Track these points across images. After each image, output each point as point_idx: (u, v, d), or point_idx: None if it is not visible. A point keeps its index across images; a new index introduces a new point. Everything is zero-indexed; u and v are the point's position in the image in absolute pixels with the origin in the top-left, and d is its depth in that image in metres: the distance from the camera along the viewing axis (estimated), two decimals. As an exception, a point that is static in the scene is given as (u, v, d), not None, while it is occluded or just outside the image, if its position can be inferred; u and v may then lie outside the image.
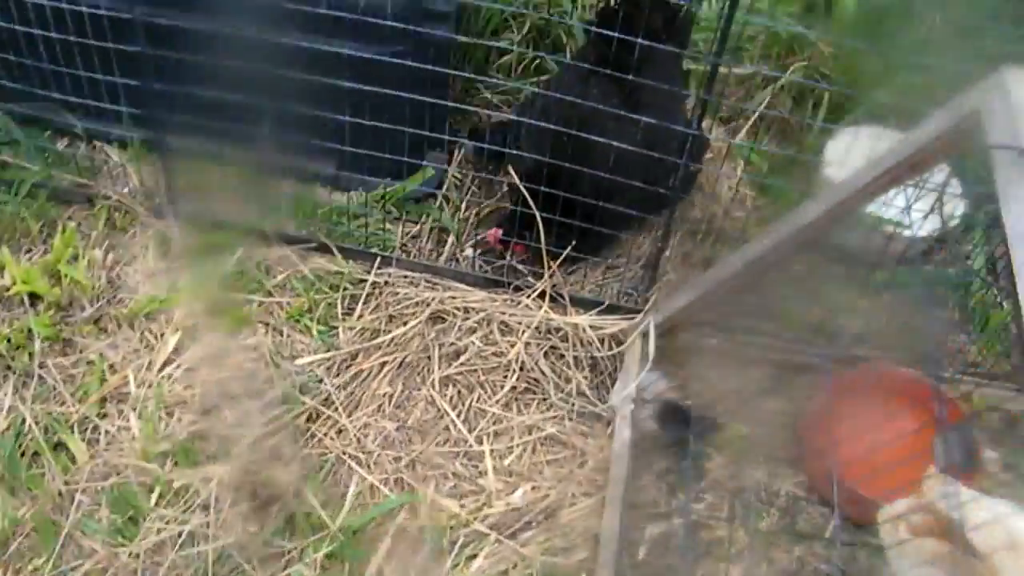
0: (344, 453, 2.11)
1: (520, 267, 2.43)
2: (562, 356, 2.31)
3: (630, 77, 2.12)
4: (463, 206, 2.57)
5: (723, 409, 2.30)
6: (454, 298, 2.37)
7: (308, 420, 2.16)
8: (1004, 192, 1.54)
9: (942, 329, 2.43)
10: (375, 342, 2.28)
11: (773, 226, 2.05)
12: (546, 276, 2.33)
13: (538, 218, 2.24)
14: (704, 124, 2.43)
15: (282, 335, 2.29)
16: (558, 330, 2.33)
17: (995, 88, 1.69)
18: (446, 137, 2.30)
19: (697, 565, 2.03)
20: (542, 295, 2.35)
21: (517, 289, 2.39)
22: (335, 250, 2.41)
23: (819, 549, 2.08)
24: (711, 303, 2.21)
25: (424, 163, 2.51)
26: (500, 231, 2.37)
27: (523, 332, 2.31)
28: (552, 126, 2.13)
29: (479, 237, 2.49)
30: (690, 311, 2.22)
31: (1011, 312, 2.32)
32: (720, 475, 2.18)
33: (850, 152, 2.24)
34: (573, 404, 2.25)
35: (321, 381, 2.21)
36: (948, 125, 1.79)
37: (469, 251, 2.45)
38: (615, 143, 2.08)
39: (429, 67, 2.08)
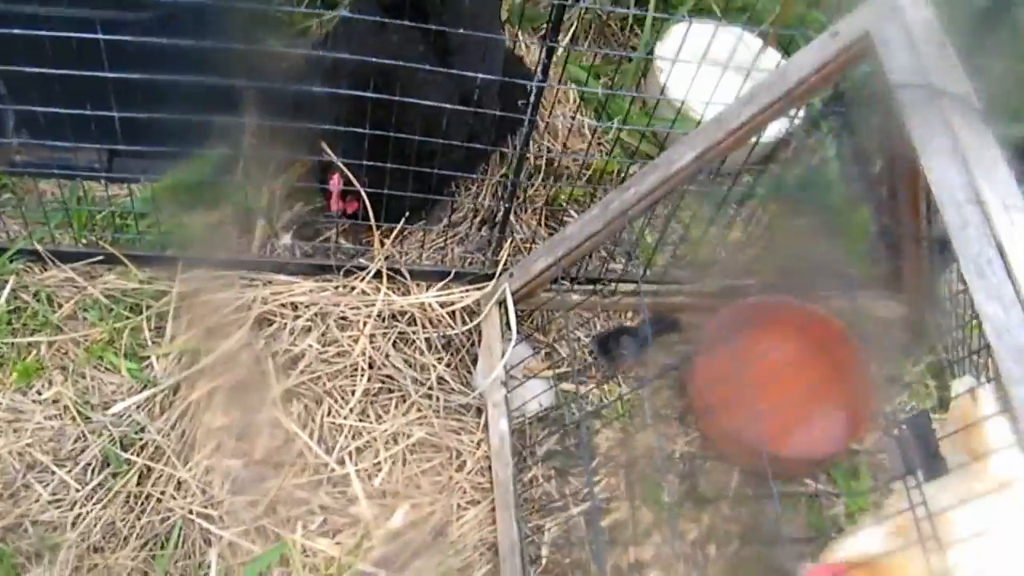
0: (190, 512, 1.81)
1: (346, 244, 2.13)
2: (413, 343, 2.06)
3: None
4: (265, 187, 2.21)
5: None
6: (278, 294, 2.06)
7: (139, 480, 1.85)
8: (922, 143, 1.35)
9: (807, 240, 2.29)
10: (197, 367, 1.95)
11: (638, 175, 1.83)
12: (378, 256, 2.05)
13: (364, 197, 1.94)
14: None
15: (85, 378, 1.93)
16: (403, 313, 2.06)
17: (886, 8, 1.49)
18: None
19: (607, 555, 1.88)
20: (378, 275, 2.07)
21: (348, 273, 2.09)
22: (126, 261, 2.04)
23: (726, 510, 1.97)
24: (573, 260, 2.00)
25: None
26: (339, 180, 1.96)
27: (364, 323, 2.03)
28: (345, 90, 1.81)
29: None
30: (551, 273, 2.00)
31: (871, 217, 2.19)
32: (609, 448, 2.01)
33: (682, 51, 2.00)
34: (437, 398, 2.01)
35: (144, 429, 1.88)
36: (833, 52, 1.58)
37: (287, 239, 2.12)
38: (424, 101, 1.78)
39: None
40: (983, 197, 1.29)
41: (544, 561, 1.87)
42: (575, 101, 2.40)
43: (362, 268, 2.07)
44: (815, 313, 2.10)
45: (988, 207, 1.28)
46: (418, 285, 2.09)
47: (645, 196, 1.82)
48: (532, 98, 1.76)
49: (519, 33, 2.45)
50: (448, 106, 1.80)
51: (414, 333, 2.05)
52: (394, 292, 2.07)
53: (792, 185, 2.21)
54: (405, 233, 2.16)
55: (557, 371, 2.08)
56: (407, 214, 2.04)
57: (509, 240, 2.14)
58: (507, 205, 1.99)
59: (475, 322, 2.06)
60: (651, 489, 1.94)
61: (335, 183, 1.94)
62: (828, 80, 1.64)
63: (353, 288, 2.07)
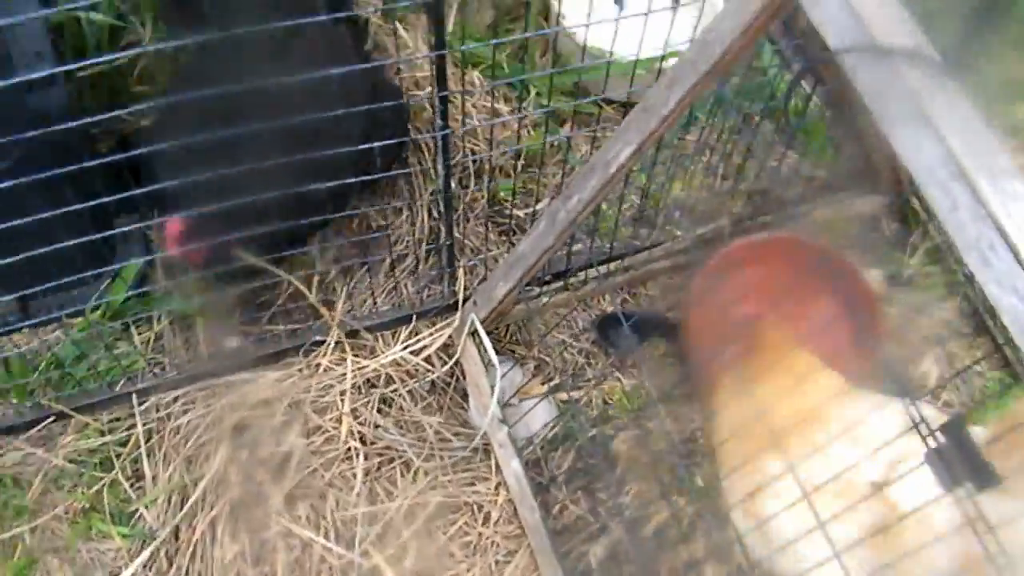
0: (234, 660, 1.75)
1: (289, 325, 1.98)
2: (397, 403, 1.93)
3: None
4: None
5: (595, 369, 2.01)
6: (245, 394, 1.92)
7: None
8: (882, 116, 1.20)
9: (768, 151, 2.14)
10: (189, 503, 1.83)
11: (577, 180, 1.67)
12: (332, 327, 1.90)
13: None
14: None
15: (81, 555, 1.82)
16: (378, 375, 1.93)
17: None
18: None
19: (660, 563, 1.81)
20: (340, 343, 1.93)
21: (308, 351, 1.95)
22: (77, 415, 1.89)
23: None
24: (533, 275, 1.86)
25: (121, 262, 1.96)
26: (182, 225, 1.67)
27: (341, 400, 1.90)
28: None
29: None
30: (514, 296, 1.86)
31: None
32: (629, 449, 1.91)
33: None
34: (440, 456, 1.90)
35: (157, 588, 1.79)
36: (752, 14, 1.41)
37: (234, 340, 1.97)
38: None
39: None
40: (967, 169, 1.15)
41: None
42: (484, 88, 2.20)
43: (319, 342, 1.92)
44: (799, 241, 1.96)
45: (976, 180, 1.14)
46: (382, 338, 1.95)
47: (590, 201, 1.67)
48: (438, 117, 1.58)
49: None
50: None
51: (395, 392, 1.93)
52: (362, 356, 1.93)
53: (733, 96, 2.05)
54: (351, 284, 2.00)
55: (551, 382, 1.96)
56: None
57: (461, 261, 1.98)
58: (447, 228, 1.82)
59: (453, 359, 1.93)
60: (683, 478, 1.85)
61: (172, 227, 1.68)
62: (751, 41, 1.47)
63: (319, 366, 1.93)
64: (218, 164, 1.49)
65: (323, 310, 1.89)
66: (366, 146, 1.56)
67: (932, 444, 1.26)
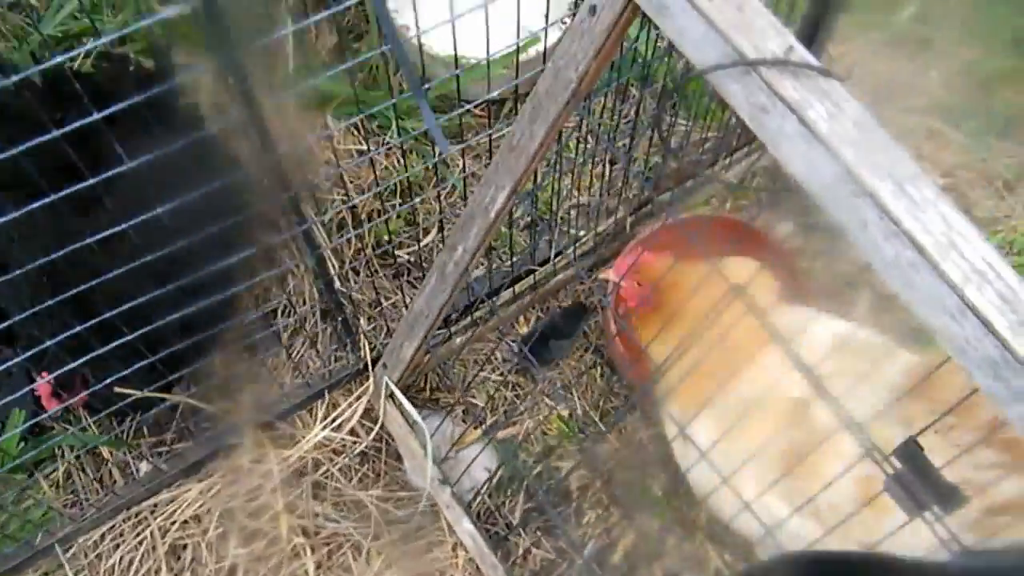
0: None
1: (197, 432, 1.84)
2: (332, 486, 1.82)
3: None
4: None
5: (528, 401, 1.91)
6: (172, 515, 1.80)
7: None
8: (765, 137, 1.09)
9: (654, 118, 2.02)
10: (137, 651, 1.73)
11: (458, 231, 1.55)
12: (245, 428, 1.78)
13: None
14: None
15: None
16: (304, 462, 1.82)
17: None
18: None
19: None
20: (259, 440, 1.80)
21: (227, 456, 1.82)
22: (0, 582, 1.76)
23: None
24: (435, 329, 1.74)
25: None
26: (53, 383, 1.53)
27: (275, 498, 1.79)
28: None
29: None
30: (422, 353, 1.75)
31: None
32: (580, 477, 1.83)
33: None
34: (389, 530, 1.80)
35: None
36: (600, 35, 1.29)
37: (144, 464, 1.83)
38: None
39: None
40: (868, 182, 1.05)
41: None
42: (346, 131, 2.04)
43: (235, 443, 1.80)
44: (704, 219, 1.87)
45: (879, 193, 1.05)
46: (300, 420, 1.84)
47: (476, 248, 1.55)
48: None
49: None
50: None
51: (326, 475, 1.82)
52: (283, 446, 1.81)
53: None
54: (253, 376, 1.87)
55: (484, 425, 1.87)
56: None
57: (360, 321, 1.86)
58: (337, 304, 1.69)
59: (377, 425, 1.83)
60: (641, 492, 1.78)
61: (44, 389, 1.55)
62: (608, 57, 1.35)
63: (240, 468, 1.81)
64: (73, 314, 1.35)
65: (229, 413, 1.76)
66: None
67: (890, 473, 1.19)
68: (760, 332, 1.45)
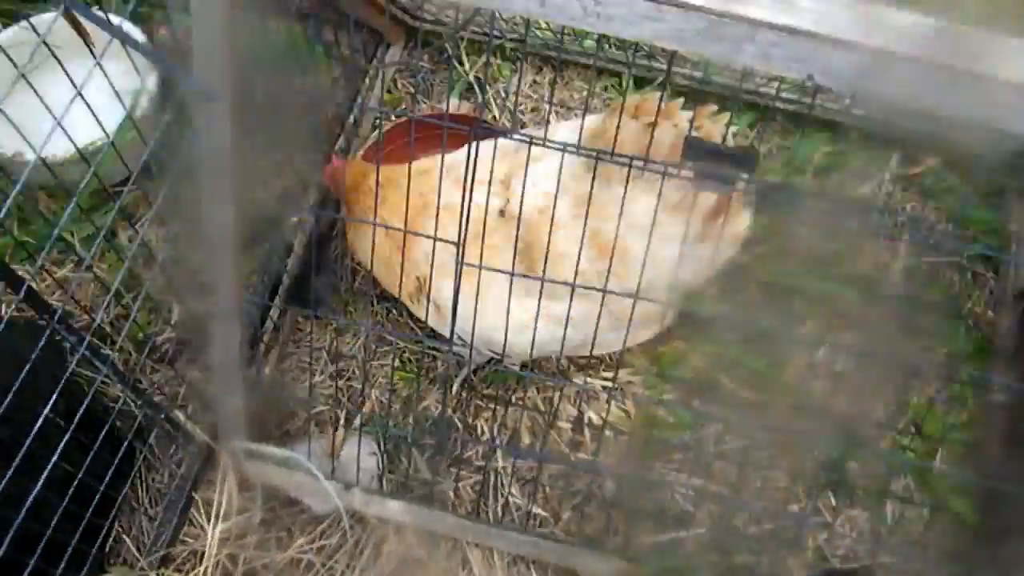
0: None
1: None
2: (262, 566, 1.77)
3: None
4: None
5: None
6: None
7: None
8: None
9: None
10: None
11: (209, 272, 1.52)
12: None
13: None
14: None
15: None
16: (224, 566, 1.75)
17: None
18: None
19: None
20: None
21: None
22: None
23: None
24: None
25: None
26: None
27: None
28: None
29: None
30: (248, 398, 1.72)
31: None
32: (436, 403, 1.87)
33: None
34: (336, 564, 1.77)
35: None
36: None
37: None
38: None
39: None
40: None
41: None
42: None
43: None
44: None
45: None
46: (188, 540, 1.77)
47: (234, 270, 1.54)
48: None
49: None
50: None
51: (249, 561, 1.76)
52: (193, 566, 1.74)
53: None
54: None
55: (342, 420, 1.87)
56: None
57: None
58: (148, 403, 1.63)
59: (257, 490, 1.79)
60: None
61: None
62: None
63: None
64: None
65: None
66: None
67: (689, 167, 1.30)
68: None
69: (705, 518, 1.76)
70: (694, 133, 1.52)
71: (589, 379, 1.88)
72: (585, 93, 2.23)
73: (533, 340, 1.52)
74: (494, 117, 2.20)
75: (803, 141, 2.14)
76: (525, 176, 1.46)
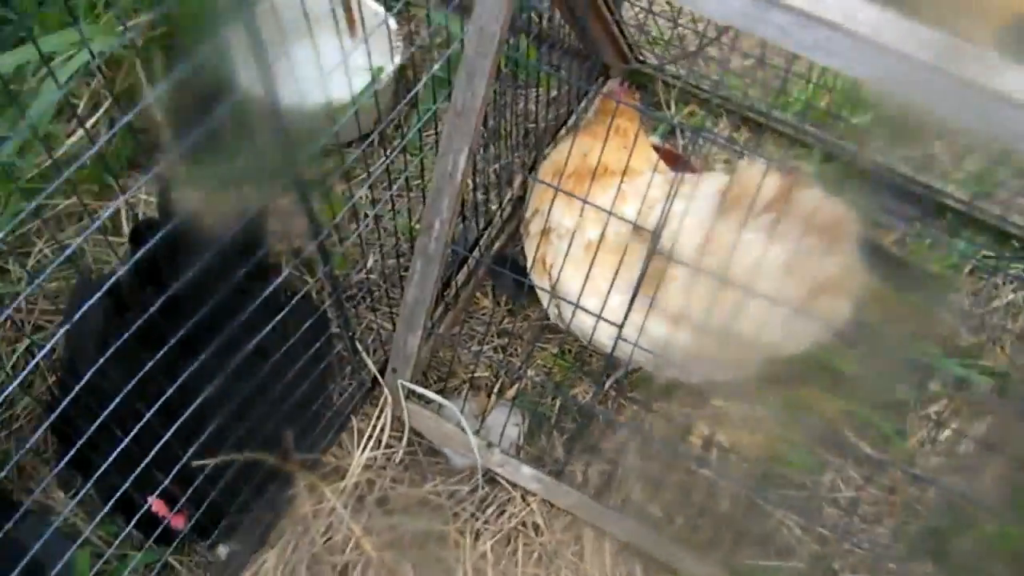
0: None
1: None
2: (395, 497, 1.93)
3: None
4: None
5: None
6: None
7: None
8: None
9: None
10: None
11: (428, 204, 1.72)
12: (299, 474, 1.86)
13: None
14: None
15: None
16: (360, 488, 1.93)
17: None
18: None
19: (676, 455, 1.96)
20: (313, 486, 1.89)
21: (287, 512, 1.90)
22: None
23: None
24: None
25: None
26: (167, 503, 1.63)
27: (347, 526, 1.88)
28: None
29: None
30: (428, 341, 1.91)
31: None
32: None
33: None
34: (463, 512, 1.92)
35: None
36: None
37: (222, 548, 1.87)
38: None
39: None
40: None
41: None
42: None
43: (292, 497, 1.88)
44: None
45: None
46: (333, 456, 1.95)
47: (451, 218, 1.74)
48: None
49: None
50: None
51: (383, 489, 1.93)
52: (334, 481, 1.91)
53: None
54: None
55: (494, 392, 2.05)
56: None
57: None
58: (351, 336, 1.84)
59: (406, 430, 1.96)
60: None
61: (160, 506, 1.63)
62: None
63: (304, 515, 1.89)
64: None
65: (291, 468, 1.83)
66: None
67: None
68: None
69: (806, 555, 1.87)
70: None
71: (724, 403, 2.02)
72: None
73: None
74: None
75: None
76: (669, 205, 1.65)
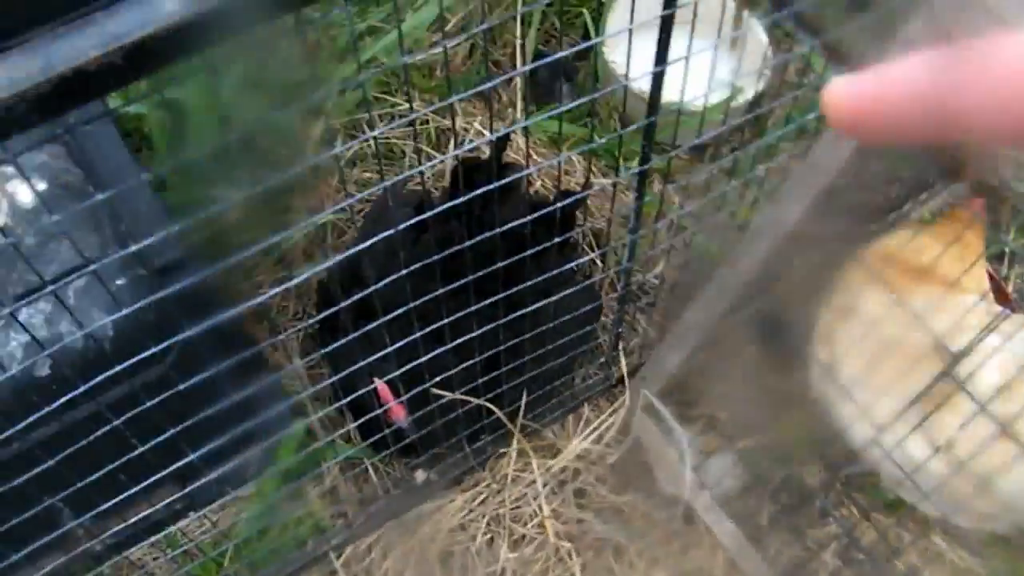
0: None
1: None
2: (590, 494, 1.95)
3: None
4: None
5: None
6: (438, 523, 1.91)
7: None
8: None
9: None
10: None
11: (746, 247, 1.70)
12: (516, 437, 1.90)
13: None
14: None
15: None
16: (566, 473, 1.95)
17: None
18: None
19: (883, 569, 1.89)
20: (523, 451, 1.93)
21: (491, 466, 1.95)
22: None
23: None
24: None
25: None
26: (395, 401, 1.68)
27: (540, 503, 1.91)
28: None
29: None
30: (687, 365, 1.90)
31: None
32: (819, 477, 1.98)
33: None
34: (649, 535, 1.92)
35: None
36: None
37: (420, 474, 1.95)
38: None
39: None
40: None
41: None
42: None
43: (502, 454, 1.92)
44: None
45: None
46: (554, 432, 1.97)
47: (760, 263, 1.71)
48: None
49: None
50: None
51: (586, 483, 1.95)
52: (545, 456, 1.95)
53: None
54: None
55: (724, 433, 2.02)
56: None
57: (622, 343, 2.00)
58: (619, 319, 1.85)
59: (629, 438, 1.96)
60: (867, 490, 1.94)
61: (384, 391, 1.67)
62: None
63: (506, 476, 1.93)
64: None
65: (508, 423, 1.88)
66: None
67: None
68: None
69: None
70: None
71: (946, 544, 1.93)
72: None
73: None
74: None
75: None
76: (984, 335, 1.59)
